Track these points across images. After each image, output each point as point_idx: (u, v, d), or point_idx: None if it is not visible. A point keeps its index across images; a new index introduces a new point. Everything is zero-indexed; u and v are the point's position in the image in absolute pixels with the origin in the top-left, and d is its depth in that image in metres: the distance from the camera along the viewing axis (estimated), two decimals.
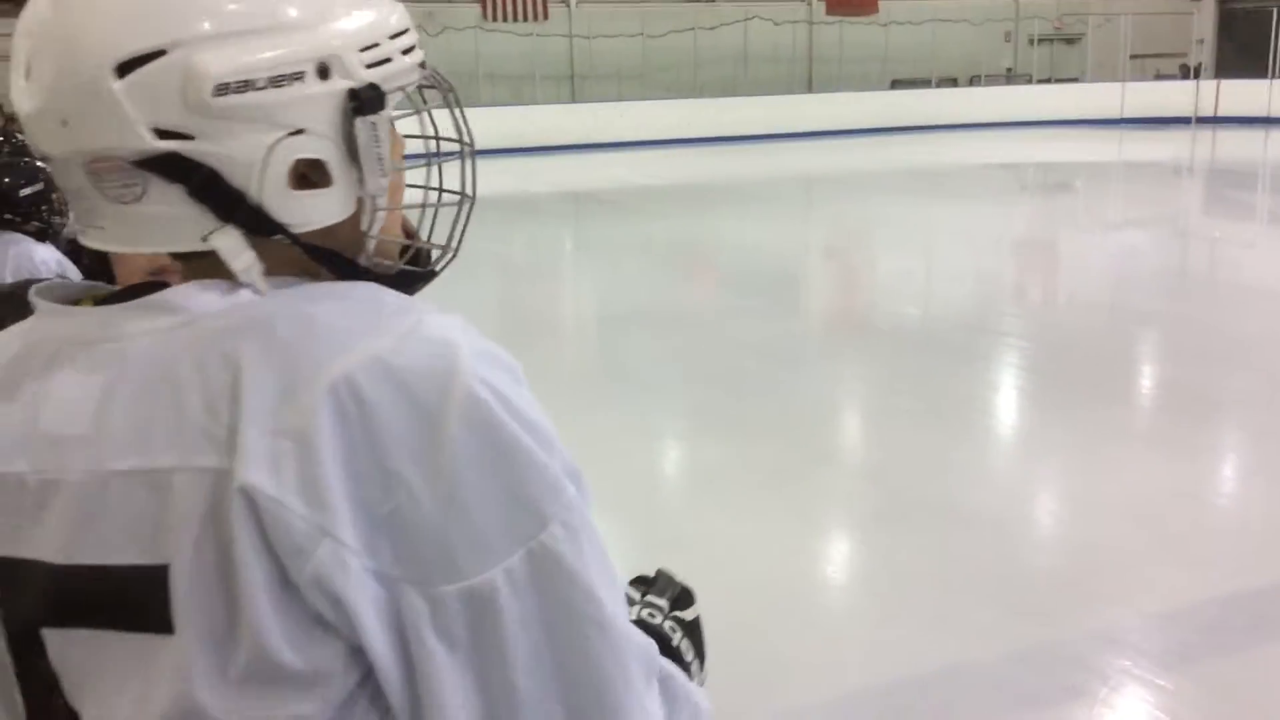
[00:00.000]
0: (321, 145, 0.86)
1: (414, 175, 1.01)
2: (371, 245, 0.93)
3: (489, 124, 20.35)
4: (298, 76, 0.84)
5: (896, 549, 3.80)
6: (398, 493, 0.79)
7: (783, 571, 3.65)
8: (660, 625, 1.06)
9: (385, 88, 0.89)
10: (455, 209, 1.02)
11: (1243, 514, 4.08)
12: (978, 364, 6.22)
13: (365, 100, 0.87)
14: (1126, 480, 4.36)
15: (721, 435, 5.08)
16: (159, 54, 0.80)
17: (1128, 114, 22.31)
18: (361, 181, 0.89)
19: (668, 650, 1.00)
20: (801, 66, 24.76)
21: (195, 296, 0.86)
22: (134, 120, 0.81)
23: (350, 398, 0.79)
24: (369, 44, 0.88)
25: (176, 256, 0.89)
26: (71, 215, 2.61)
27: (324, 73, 0.85)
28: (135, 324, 0.85)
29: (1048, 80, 25.36)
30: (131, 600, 0.82)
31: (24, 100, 0.85)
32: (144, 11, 0.81)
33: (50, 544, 0.85)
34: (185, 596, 0.80)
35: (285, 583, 0.79)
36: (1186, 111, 21.89)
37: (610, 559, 0.86)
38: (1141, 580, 3.48)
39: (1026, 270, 9.78)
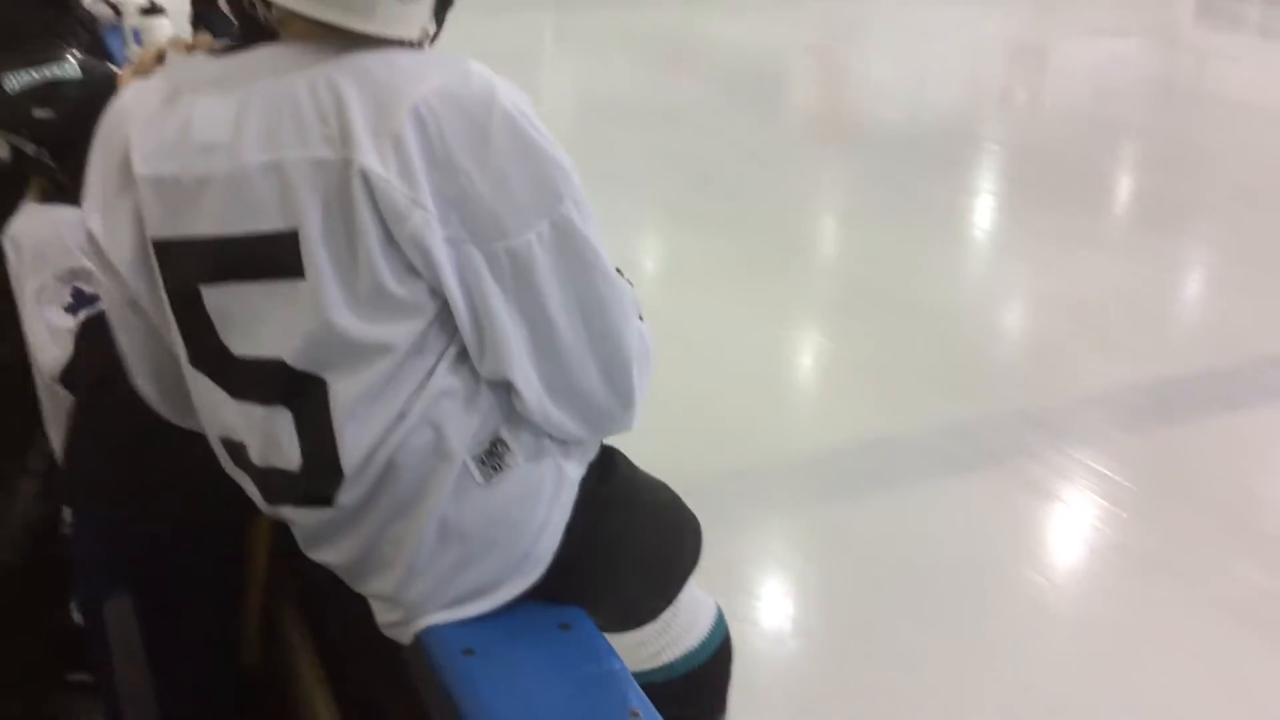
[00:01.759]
0: None
1: None
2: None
3: None
4: None
5: (851, 335, 4.13)
6: (460, 178, 1.15)
7: (745, 351, 3.95)
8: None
9: None
10: None
11: (1175, 313, 4.38)
12: (953, 168, 6.30)
13: None
14: (1076, 280, 4.61)
15: (696, 228, 5.21)
16: None
17: None
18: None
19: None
20: None
21: (299, 49, 1.19)
22: None
23: (427, 114, 1.13)
24: None
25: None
26: None
27: None
28: (257, 64, 1.20)
29: None
30: (270, 256, 1.17)
31: None
32: None
33: (206, 223, 1.19)
34: (313, 250, 1.15)
35: (390, 239, 1.14)
36: None
37: (600, 229, 1.22)
38: (1074, 369, 3.81)
39: (1011, 76, 9.72)
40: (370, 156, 1.11)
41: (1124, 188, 6.21)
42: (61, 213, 1.99)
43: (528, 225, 1.17)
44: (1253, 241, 5.18)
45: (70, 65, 2.11)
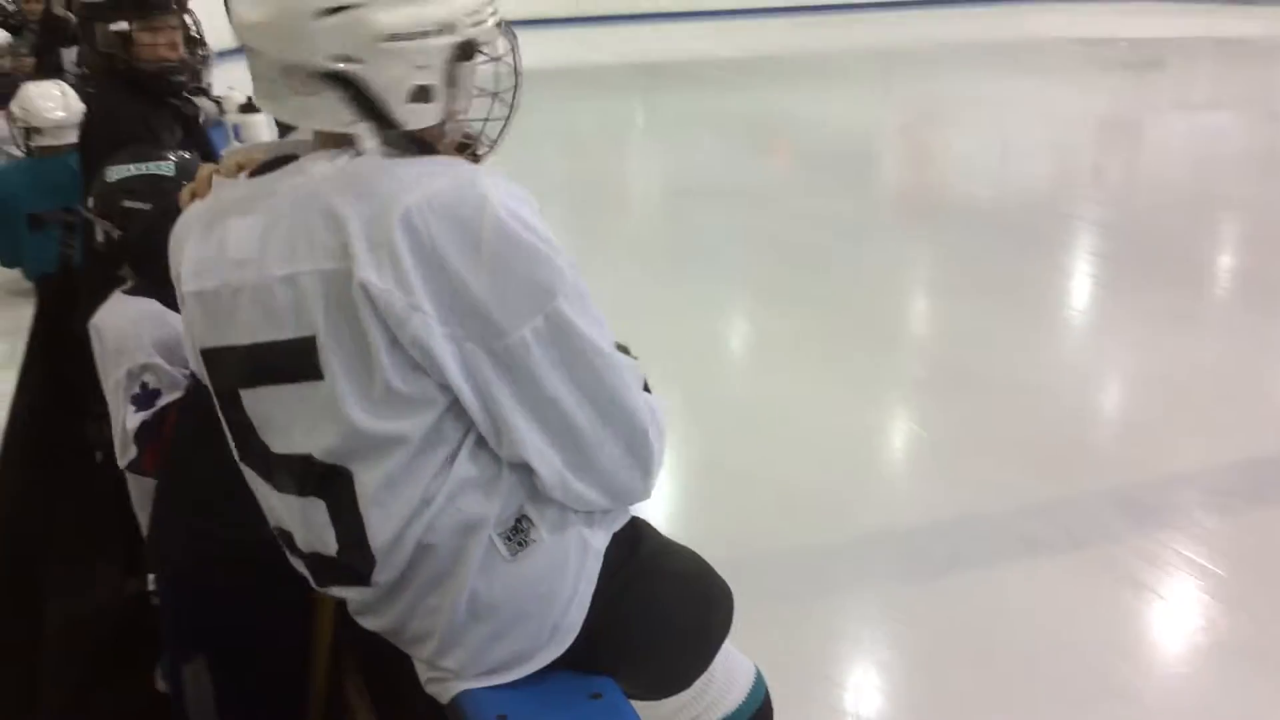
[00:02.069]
0: (433, 75, 1.29)
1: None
2: (443, 144, 1.34)
3: None
4: (428, 33, 1.27)
5: (934, 413, 4.13)
6: (454, 281, 1.23)
7: (827, 429, 3.97)
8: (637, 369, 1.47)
9: (480, 40, 1.31)
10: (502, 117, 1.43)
11: (1271, 393, 4.23)
12: (1042, 245, 6.26)
13: (466, 51, 1.30)
14: (1168, 359, 4.54)
15: (783, 306, 5.26)
16: (342, 9, 1.24)
17: None
18: (454, 100, 1.32)
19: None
20: None
21: (315, 163, 1.31)
22: (322, 48, 1.26)
23: (419, 221, 1.21)
24: (474, 10, 1.31)
25: (316, 130, 1.34)
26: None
27: (445, 30, 1.28)
28: (280, 184, 1.32)
29: None
30: (293, 361, 1.28)
31: (249, 12, 1.28)
32: None
33: (240, 333, 1.32)
34: (328, 355, 1.26)
35: (394, 342, 1.24)
36: None
37: (599, 313, 1.32)
38: (1163, 450, 3.74)
39: (1104, 151, 9.64)
40: (368, 268, 1.21)
41: (1220, 264, 6.10)
42: (142, 305, 2.14)
43: (522, 322, 1.25)
44: None
45: (167, 164, 2.27)
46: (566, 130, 10.36)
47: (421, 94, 1.29)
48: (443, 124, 1.34)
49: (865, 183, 8.41)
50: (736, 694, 1.59)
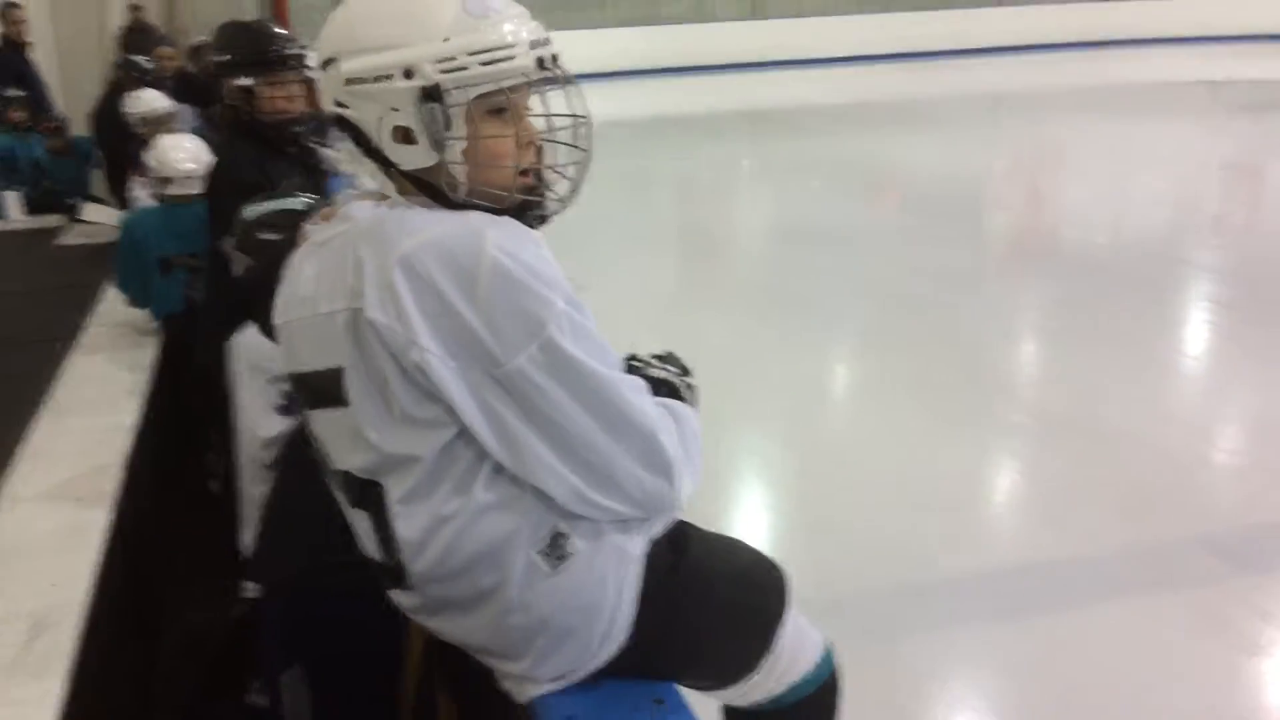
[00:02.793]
0: (406, 118, 1.41)
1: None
2: (460, 188, 1.45)
3: (669, 40, 20.43)
4: (388, 77, 1.41)
5: (1034, 458, 4.14)
6: (453, 316, 1.35)
7: (922, 471, 3.96)
8: (674, 381, 1.63)
9: (450, 86, 1.40)
10: (577, 169, 1.54)
11: None
12: (1157, 292, 6.14)
13: (430, 94, 1.40)
14: (1270, 405, 4.45)
15: (886, 352, 5.26)
16: (332, 61, 1.46)
17: None
18: (443, 143, 1.41)
19: (678, 395, 1.60)
20: None
21: (359, 210, 1.49)
22: (327, 95, 1.48)
23: (416, 262, 1.35)
24: (445, 57, 1.40)
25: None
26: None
27: (408, 75, 1.40)
28: (333, 230, 1.49)
29: None
30: (331, 388, 1.44)
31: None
32: (330, 36, 1.47)
33: (302, 361, 1.50)
34: (351, 383, 1.42)
35: (404, 372, 1.37)
36: None
37: (600, 341, 1.41)
38: (1257, 494, 3.69)
39: (1226, 198, 9.41)
40: (373, 307, 1.36)
41: None
42: None
43: (518, 351, 1.36)
44: None
45: (301, 201, 2.42)
46: (677, 176, 10.52)
47: (403, 135, 1.43)
48: (446, 167, 1.44)
49: (974, 229, 8.36)
50: (804, 664, 1.66)
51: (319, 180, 3.50)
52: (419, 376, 1.37)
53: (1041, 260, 7.34)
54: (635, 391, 1.45)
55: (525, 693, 1.51)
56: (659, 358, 1.70)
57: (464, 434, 1.41)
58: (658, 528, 1.54)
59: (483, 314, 1.35)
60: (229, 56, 3.14)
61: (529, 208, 1.49)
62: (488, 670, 1.54)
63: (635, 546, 1.49)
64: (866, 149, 11.84)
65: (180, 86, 6.91)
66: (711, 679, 1.62)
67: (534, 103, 1.53)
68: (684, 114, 14.26)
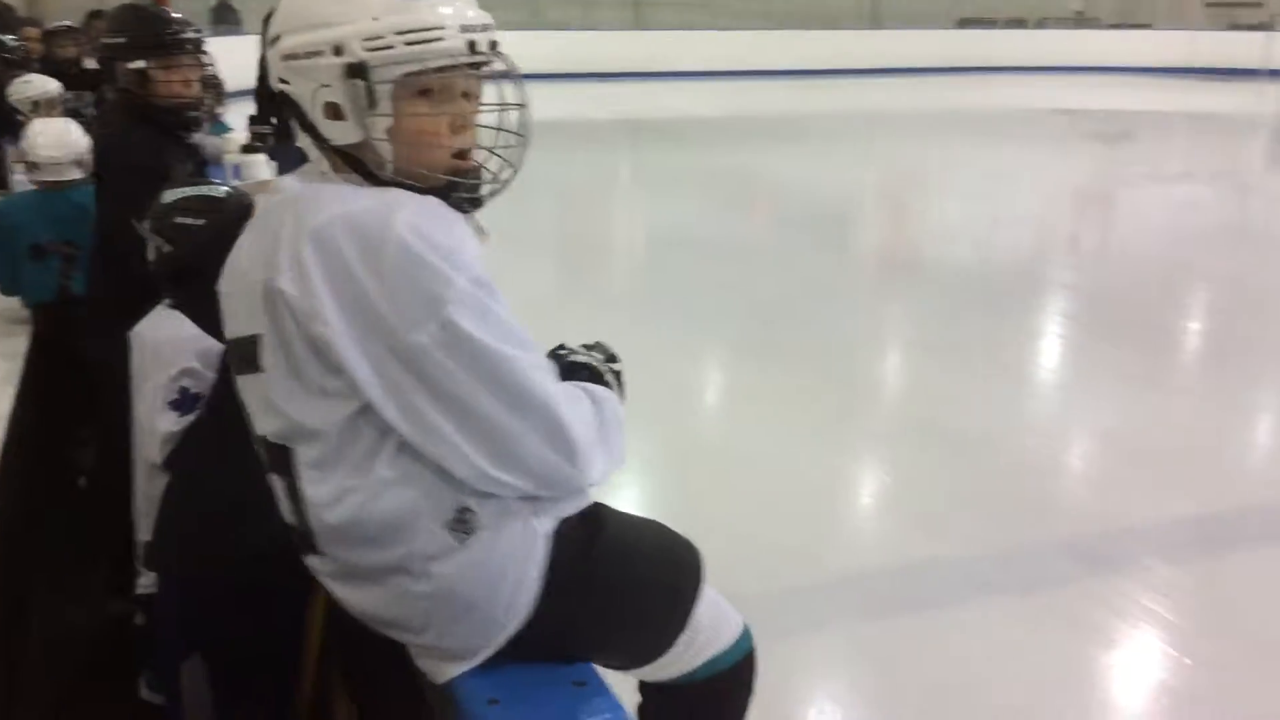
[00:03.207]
0: (335, 94, 1.46)
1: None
2: (387, 166, 1.48)
3: (553, 48, 20.43)
4: (319, 53, 1.46)
5: (902, 464, 4.26)
6: (357, 288, 1.38)
7: (791, 476, 4.07)
8: (597, 366, 1.72)
9: (376, 63, 1.44)
10: (514, 154, 1.58)
11: (1228, 451, 4.36)
12: (1017, 307, 6.42)
13: (355, 70, 1.44)
14: (1131, 417, 4.70)
15: (756, 359, 5.40)
16: (277, 38, 1.50)
17: (1197, 63, 21.92)
18: (370, 120, 1.45)
19: (601, 380, 1.68)
20: (867, 1, 24.47)
21: (288, 183, 1.54)
22: (273, 72, 1.52)
23: (326, 235, 1.40)
24: (372, 35, 1.44)
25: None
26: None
27: (338, 52, 1.44)
28: (268, 202, 1.55)
29: (1118, 25, 24.90)
30: (251, 354, 1.49)
31: None
32: (278, 15, 1.51)
33: (233, 326, 1.54)
34: (266, 351, 1.46)
35: (311, 342, 1.41)
36: (1257, 63, 21.45)
37: (508, 322, 1.44)
38: (1121, 504, 3.86)
39: (1081, 219, 9.87)
40: (284, 277, 1.41)
41: (1182, 329, 6.28)
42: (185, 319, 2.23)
43: (419, 327, 1.39)
44: None
45: (222, 189, 2.41)
46: (556, 183, 10.55)
47: (333, 111, 1.47)
48: (373, 144, 1.48)
49: (842, 243, 8.60)
50: (722, 640, 1.71)
51: (204, 171, 3.45)
52: (323, 349, 1.41)
53: (908, 274, 7.60)
54: (539, 371, 1.48)
55: (444, 673, 1.52)
56: (587, 347, 1.76)
57: (368, 409, 1.43)
58: (569, 507, 1.57)
59: (385, 289, 1.38)
60: (123, 39, 3.07)
61: (456, 189, 1.52)
62: (390, 654, 1.56)
63: (544, 524, 1.53)
64: (744, 162, 12.06)
65: (45, 70, 6.68)
66: (629, 657, 1.64)
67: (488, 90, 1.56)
68: (564, 121, 14.29)
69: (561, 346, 1.71)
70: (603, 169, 12.07)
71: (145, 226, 2.35)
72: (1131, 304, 6.52)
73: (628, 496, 3.96)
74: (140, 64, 3.02)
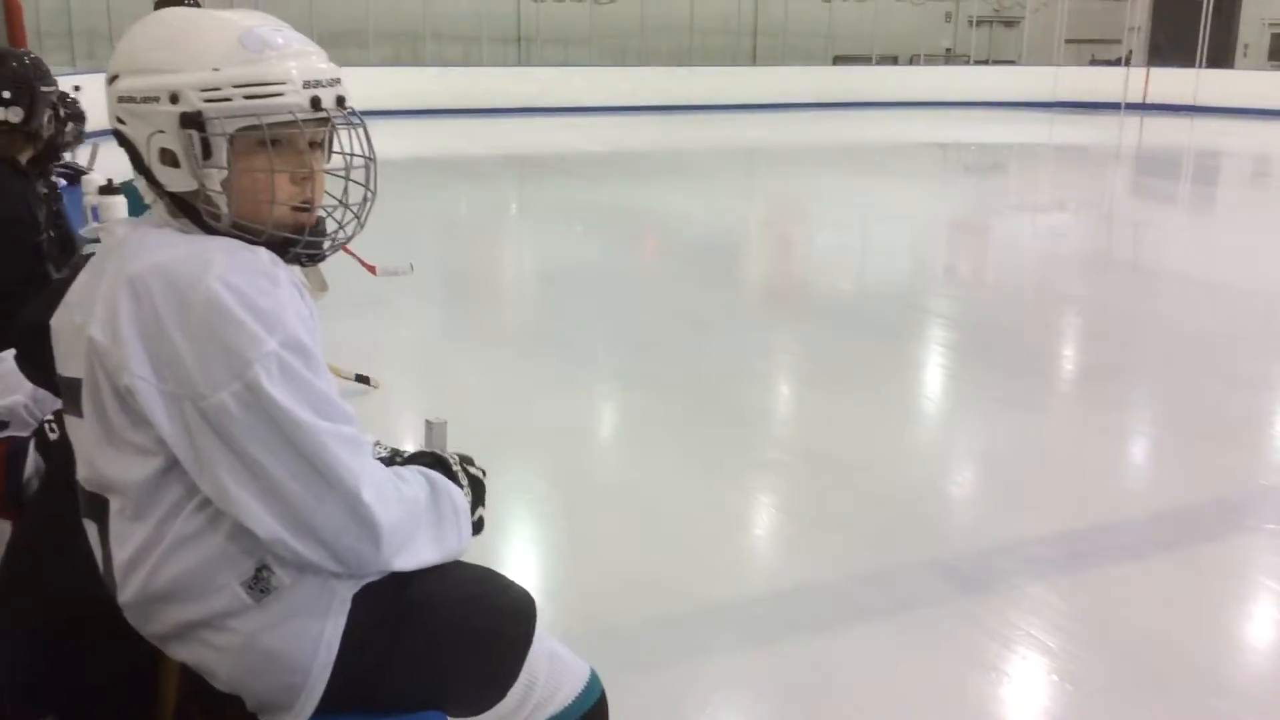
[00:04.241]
0: (170, 141, 1.44)
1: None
2: (223, 218, 1.46)
3: (435, 84, 20.37)
4: (155, 99, 1.44)
5: (772, 490, 4.34)
6: (166, 343, 1.35)
7: (674, 506, 4.11)
8: (448, 459, 1.68)
9: (212, 115, 1.42)
10: (359, 207, 1.58)
11: (1086, 470, 4.50)
12: (893, 336, 6.56)
13: (190, 120, 1.42)
14: (997, 439, 4.85)
15: (641, 391, 5.41)
16: (116, 77, 1.48)
17: (1060, 98, 22.86)
18: (203, 170, 1.43)
19: (452, 476, 1.63)
20: (747, 39, 24.99)
21: (119, 227, 1.53)
22: (110, 109, 1.49)
23: (140, 286, 1.37)
24: (210, 86, 1.42)
25: None
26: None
27: (174, 100, 1.43)
28: (103, 244, 1.53)
29: (985, 62, 25.85)
30: (74, 397, 1.46)
31: None
32: (118, 54, 1.49)
33: (64, 365, 1.51)
34: (85, 397, 1.43)
35: (118, 393, 1.39)
36: (1117, 97, 22.46)
37: (320, 389, 1.40)
38: (986, 522, 4.01)
39: (955, 249, 10.16)
40: (95, 325, 1.39)
41: (1056, 355, 6.47)
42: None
43: (221, 386, 1.35)
44: (1165, 402, 5.44)
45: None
46: (438, 218, 10.48)
47: (168, 157, 1.45)
48: (206, 194, 1.45)
49: (726, 276, 8.70)
50: (564, 695, 1.68)
51: (58, 211, 3.35)
52: (129, 399, 1.38)
53: (791, 305, 7.72)
54: (345, 444, 1.41)
55: None
56: (461, 457, 1.72)
57: (173, 466, 1.41)
58: (375, 574, 1.51)
59: (192, 344, 1.35)
60: None
61: (293, 245, 1.49)
62: (243, 708, 1.52)
63: (344, 587, 1.48)
64: (628, 196, 12.15)
65: None
66: (464, 706, 1.61)
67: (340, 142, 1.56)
68: (446, 156, 14.23)
69: (398, 452, 1.72)
70: (486, 204, 12.03)
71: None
72: (1003, 330, 6.72)
73: (520, 531, 3.93)
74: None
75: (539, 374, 5.63)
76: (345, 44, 19.21)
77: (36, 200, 2.97)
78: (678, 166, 15.08)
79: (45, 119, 2.99)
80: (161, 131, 1.44)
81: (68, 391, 1.50)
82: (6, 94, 2.90)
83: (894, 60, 25.50)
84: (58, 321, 1.52)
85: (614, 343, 6.36)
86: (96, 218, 3.64)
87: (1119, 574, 3.59)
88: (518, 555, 3.76)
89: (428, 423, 1.85)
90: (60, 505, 1.59)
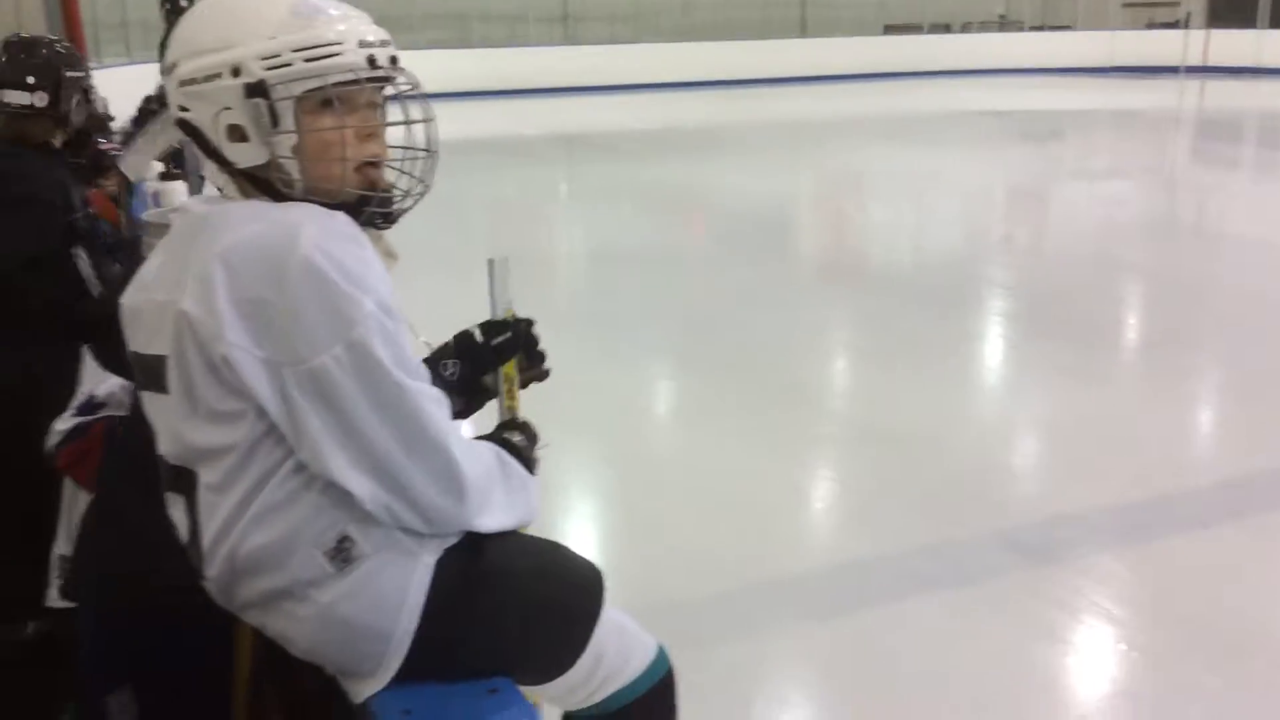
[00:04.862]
0: (237, 115, 1.46)
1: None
2: (296, 184, 1.49)
3: (482, 65, 20.41)
4: (217, 76, 1.46)
5: (837, 466, 4.31)
6: (264, 309, 1.38)
7: (729, 479, 4.10)
8: (517, 443, 1.69)
9: (275, 81, 1.44)
10: (423, 167, 1.59)
11: (1151, 439, 4.42)
12: (952, 308, 6.48)
13: (255, 89, 1.45)
14: (1061, 410, 4.77)
15: (696, 369, 5.39)
16: (173, 66, 1.51)
17: (1117, 62, 22.40)
18: (275, 140, 1.46)
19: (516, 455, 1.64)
20: (795, 10, 24.73)
21: (195, 204, 1.57)
22: (171, 100, 1.53)
23: (235, 258, 1.39)
24: (270, 54, 1.45)
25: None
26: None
27: (236, 73, 1.45)
28: (177, 223, 1.56)
29: (1040, 27, 25.39)
30: (157, 374, 1.48)
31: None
32: (173, 43, 1.52)
33: (139, 342, 1.53)
34: (170, 373, 1.45)
35: (211, 365, 1.40)
36: (1175, 61, 21.97)
37: (406, 349, 1.43)
38: (1050, 494, 3.96)
39: (1012, 219, 10.02)
40: (189, 299, 1.40)
41: (1112, 322, 6.36)
42: None
43: (322, 348, 1.38)
44: (1229, 368, 5.34)
45: None
46: (488, 199, 10.51)
47: (237, 133, 1.47)
48: (280, 163, 1.48)
49: (778, 251, 8.64)
50: (632, 669, 1.69)
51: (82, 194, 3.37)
52: (225, 371, 1.39)
53: (846, 279, 7.65)
54: (437, 404, 1.47)
55: (358, 693, 1.52)
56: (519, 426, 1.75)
57: (269, 431, 1.43)
58: (454, 537, 1.55)
59: (290, 310, 1.37)
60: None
61: (368, 203, 1.51)
62: (320, 676, 1.54)
63: (429, 555, 1.51)
64: (678, 173, 12.10)
65: None
66: (533, 673, 1.63)
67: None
68: (495, 138, 14.26)
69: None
70: (536, 184, 12.04)
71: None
72: (1065, 300, 6.61)
73: (578, 507, 3.95)
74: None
75: (592, 352, 5.63)
76: (394, 27, 18.91)
77: (70, 182, 3.01)
78: (727, 142, 14.99)
79: (73, 104, 3.02)
80: (228, 108, 1.46)
81: (146, 369, 1.52)
82: (31, 79, 2.95)
83: (946, 28, 25.11)
84: (131, 301, 1.54)
85: (667, 320, 6.35)
86: (157, 203, 3.70)
87: (1186, 543, 3.54)
88: (577, 530, 3.78)
89: (490, 261, 1.89)
90: (134, 480, 1.62)
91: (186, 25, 1.52)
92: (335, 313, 1.37)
